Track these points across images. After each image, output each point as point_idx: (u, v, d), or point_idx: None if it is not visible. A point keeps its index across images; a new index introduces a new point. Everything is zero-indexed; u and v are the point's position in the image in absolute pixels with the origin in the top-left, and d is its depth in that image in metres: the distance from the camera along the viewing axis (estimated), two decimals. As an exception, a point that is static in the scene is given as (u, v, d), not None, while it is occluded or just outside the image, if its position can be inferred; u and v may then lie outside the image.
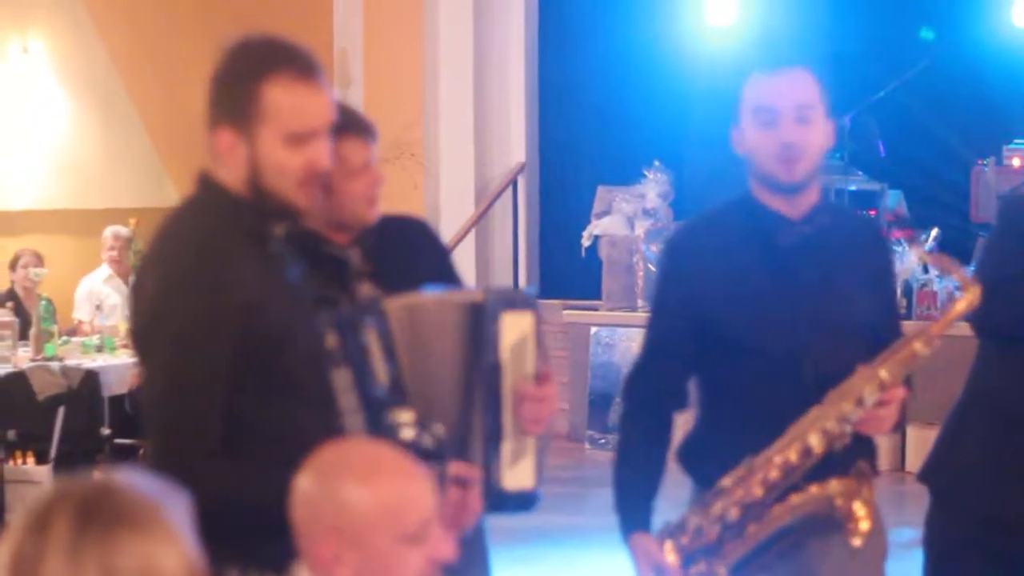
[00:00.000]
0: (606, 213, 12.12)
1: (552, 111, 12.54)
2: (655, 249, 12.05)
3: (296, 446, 2.67)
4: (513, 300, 3.40)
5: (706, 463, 3.63)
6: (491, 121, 12.03)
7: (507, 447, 3.35)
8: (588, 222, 12.13)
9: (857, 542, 3.46)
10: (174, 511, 2.06)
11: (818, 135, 3.56)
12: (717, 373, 3.66)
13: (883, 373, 3.46)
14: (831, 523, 3.50)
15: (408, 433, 3.17)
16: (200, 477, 2.79)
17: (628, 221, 12.07)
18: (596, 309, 11.80)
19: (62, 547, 1.98)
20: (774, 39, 11.76)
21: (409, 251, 3.60)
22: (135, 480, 2.05)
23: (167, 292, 2.95)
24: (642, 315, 11.50)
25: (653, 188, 12.16)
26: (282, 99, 2.96)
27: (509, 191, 11.98)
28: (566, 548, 7.16)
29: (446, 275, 3.61)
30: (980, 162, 10.96)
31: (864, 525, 3.47)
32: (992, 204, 10.16)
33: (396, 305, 3.31)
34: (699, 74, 12.05)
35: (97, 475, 2.06)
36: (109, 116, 11.53)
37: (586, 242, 12.01)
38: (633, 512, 3.63)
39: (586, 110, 12.72)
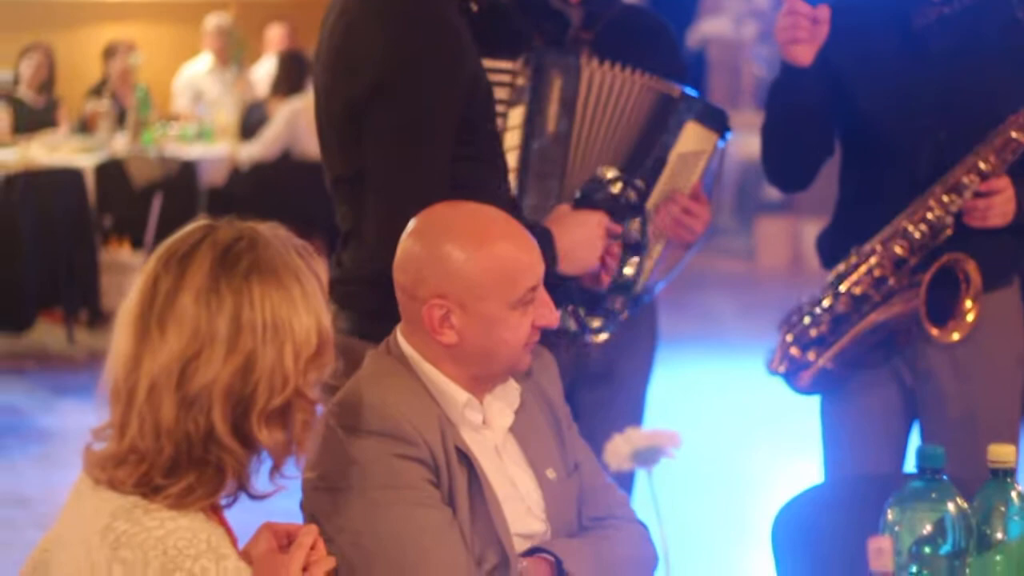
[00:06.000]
0: (713, 13, 11.88)
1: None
2: (764, 52, 11.80)
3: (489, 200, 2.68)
4: (705, 115, 3.30)
5: (833, 250, 3.54)
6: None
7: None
8: (694, 22, 11.90)
9: (956, 336, 3.40)
10: (314, 273, 2.09)
11: None
12: (847, 154, 3.56)
13: (981, 162, 3.35)
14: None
15: (616, 188, 3.14)
16: None
17: (736, 21, 11.83)
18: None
19: (198, 288, 2.01)
20: None
21: (643, 48, 3.49)
22: (281, 237, 2.08)
23: (405, 55, 2.85)
24: (748, 117, 11.29)
25: (762, -13, 11.88)
26: None
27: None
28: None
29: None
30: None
31: (970, 318, 3.40)
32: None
33: (595, 66, 3.26)
34: None
35: (246, 224, 2.08)
36: None
37: (692, 43, 11.78)
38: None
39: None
